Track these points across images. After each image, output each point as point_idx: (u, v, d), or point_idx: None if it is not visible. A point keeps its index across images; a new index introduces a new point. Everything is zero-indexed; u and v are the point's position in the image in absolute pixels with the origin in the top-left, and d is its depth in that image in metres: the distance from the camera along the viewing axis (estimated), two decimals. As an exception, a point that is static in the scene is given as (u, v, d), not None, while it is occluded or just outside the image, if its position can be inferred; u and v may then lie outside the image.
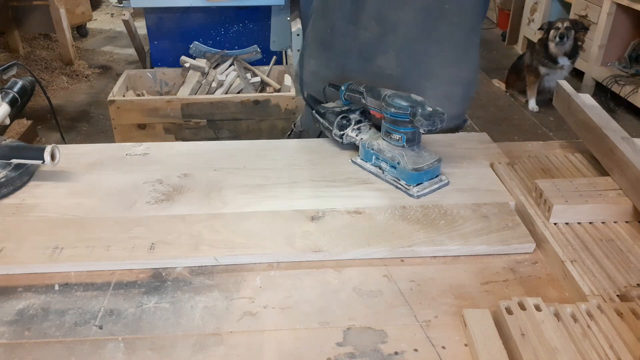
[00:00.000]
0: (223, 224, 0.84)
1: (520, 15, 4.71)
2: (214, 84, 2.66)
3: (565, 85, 1.11)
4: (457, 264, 0.78)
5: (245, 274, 0.76)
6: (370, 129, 1.04)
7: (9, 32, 4.08)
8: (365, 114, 1.07)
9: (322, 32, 1.22)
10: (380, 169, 0.97)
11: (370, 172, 0.98)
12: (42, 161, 0.91)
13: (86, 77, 4.02)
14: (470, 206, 0.88)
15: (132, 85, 2.78)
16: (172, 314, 0.69)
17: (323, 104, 1.10)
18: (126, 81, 2.72)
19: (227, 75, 2.64)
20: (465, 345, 0.64)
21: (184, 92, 2.62)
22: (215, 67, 2.72)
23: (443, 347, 0.64)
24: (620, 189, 0.87)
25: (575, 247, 0.78)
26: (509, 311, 0.64)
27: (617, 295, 0.69)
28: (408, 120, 0.91)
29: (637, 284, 0.70)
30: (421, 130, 0.91)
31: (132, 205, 0.89)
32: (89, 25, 5.07)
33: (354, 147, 1.05)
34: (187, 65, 2.70)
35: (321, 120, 1.07)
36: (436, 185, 0.93)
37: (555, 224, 0.83)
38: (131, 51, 4.24)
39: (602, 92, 3.55)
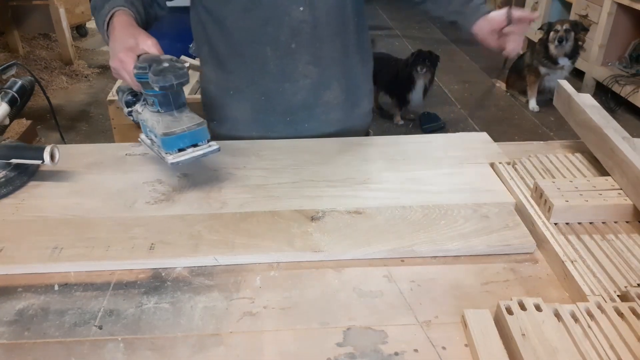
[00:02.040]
0: (223, 224, 0.84)
1: (520, 15, 4.70)
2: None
3: (566, 85, 1.11)
4: (458, 264, 0.78)
5: (245, 274, 0.76)
6: None
7: (9, 32, 4.08)
8: None
9: (249, 101, 1.15)
10: (151, 140, 0.91)
11: (147, 145, 0.92)
12: (41, 161, 0.91)
13: (86, 77, 4.02)
14: (470, 206, 0.88)
15: (132, 85, 2.77)
16: (172, 314, 0.69)
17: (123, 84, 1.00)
18: (126, 81, 2.72)
19: (227, 75, 2.64)
20: (466, 345, 0.64)
21: (183, 92, 2.61)
22: (215, 67, 2.72)
23: (443, 348, 0.64)
24: (621, 189, 0.86)
25: (575, 247, 0.78)
26: (509, 311, 0.64)
27: (618, 295, 0.69)
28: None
29: (638, 284, 0.70)
30: (155, 88, 0.82)
31: (132, 205, 0.89)
32: (89, 25, 5.06)
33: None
34: (186, 65, 2.70)
35: (117, 99, 0.98)
36: (200, 152, 0.85)
37: (555, 224, 0.83)
38: (131, 51, 4.23)
39: (602, 92, 3.55)
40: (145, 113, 0.90)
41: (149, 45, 0.90)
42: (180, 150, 0.85)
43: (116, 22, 0.95)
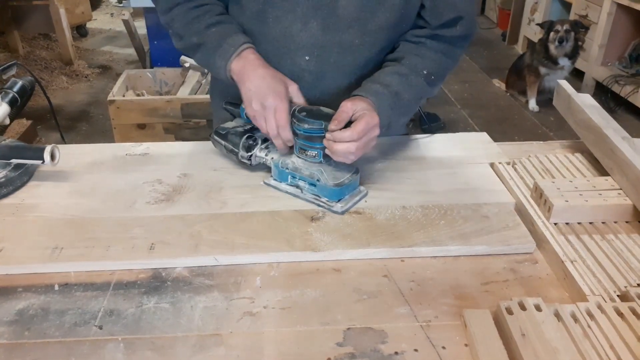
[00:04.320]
0: (223, 224, 0.84)
1: (520, 15, 4.71)
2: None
3: (566, 85, 1.11)
4: (457, 264, 0.78)
5: (245, 274, 0.76)
6: None
7: (9, 32, 4.08)
8: None
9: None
10: (298, 187, 0.91)
11: (287, 192, 0.92)
12: (42, 161, 0.91)
13: (86, 77, 4.02)
14: (470, 206, 0.88)
15: (131, 85, 2.77)
16: (172, 314, 0.69)
17: (222, 125, 1.00)
18: (126, 81, 2.72)
19: (227, 75, 2.64)
20: (466, 345, 0.64)
21: (183, 92, 2.62)
22: (215, 67, 2.72)
23: (443, 347, 0.64)
24: (621, 189, 0.86)
25: (575, 247, 0.78)
26: (509, 311, 0.64)
27: (617, 295, 0.69)
28: (322, 135, 0.85)
29: (637, 284, 0.70)
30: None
31: (132, 205, 0.89)
32: (89, 25, 5.06)
33: (264, 167, 0.97)
34: (187, 65, 2.70)
35: (223, 142, 0.97)
36: (357, 198, 0.89)
37: (555, 224, 0.83)
38: (131, 51, 4.24)
39: (602, 92, 3.55)
40: (294, 161, 0.91)
41: (295, 90, 0.90)
42: (343, 197, 0.89)
43: (254, 60, 0.90)
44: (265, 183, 0.94)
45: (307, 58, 0.97)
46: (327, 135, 0.84)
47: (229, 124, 0.99)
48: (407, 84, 0.93)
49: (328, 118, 0.85)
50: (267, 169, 0.96)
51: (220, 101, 1.10)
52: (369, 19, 0.93)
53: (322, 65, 0.98)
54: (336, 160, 0.86)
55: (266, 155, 0.95)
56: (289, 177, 0.92)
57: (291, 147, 0.91)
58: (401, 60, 0.96)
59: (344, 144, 0.82)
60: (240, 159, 0.96)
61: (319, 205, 0.88)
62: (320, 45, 0.96)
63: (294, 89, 0.91)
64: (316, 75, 1.00)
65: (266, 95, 0.87)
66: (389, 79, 0.93)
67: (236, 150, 0.95)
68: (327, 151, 0.86)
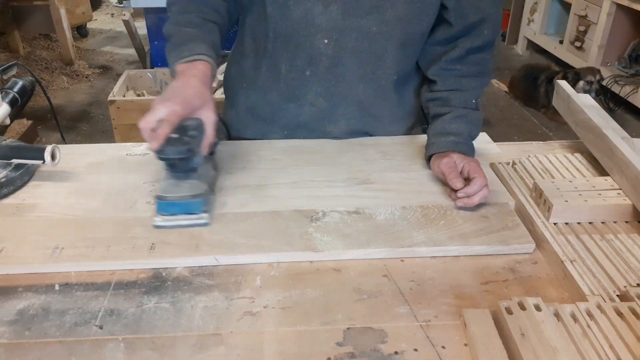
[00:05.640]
0: (223, 224, 0.84)
1: (520, 15, 4.72)
2: (214, 84, 2.66)
3: (565, 85, 1.11)
4: (457, 264, 0.78)
5: (246, 274, 0.76)
6: None
7: (9, 32, 4.08)
8: None
9: (253, 101, 1.12)
10: None
11: None
12: (42, 161, 0.91)
13: (86, 77, 4.02)
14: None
15: (132, 85, 2.78)
16: (172, 314, 0.69)
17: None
18: (126, 81, 2.72)
19: (227, 76, 2.64)
20: (465, 345, 0.64)
21: (184, 92, 2.61)
22: (215, 67, 2.72)
23: (443, 347, 0.64)
24: (620, 189, 0.87)
25: (575, 247, 0.78)
26: (509, 311, 0.65)
27: (617, 295, 0.69)
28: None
29: (637, 284, 0.71)
30: (157, 156, 0.79)
31: (132, 205, 0.89)
32: (89, 25, 5.07)
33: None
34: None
35: None
36: (186, 222, 0.83)
37: (555, 224, 0.83)
38: (131, 51, 4.25)
39: (601, 92, 3.55)
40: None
41: (208, 118, 0.82)
42: (172, 214, 0.83)
43: (198, 72, 0.85)
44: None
45: (325, 41, 0.99)
46: (460, 194, 0.86)
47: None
48: (469, 122, 0.99)
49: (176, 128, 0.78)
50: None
51: (238, 98, 1.14)
52: (388, 7, 0.95)
53: (339, 50, 0.99)
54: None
55: None
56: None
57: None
58: (451, 103, 1.01)
59: (480, 193, 0.86)
60: None
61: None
62: (339, 30, 0.97)
63: (210, 118, 0.83)
64: (333, 60, 1.01)
65: (178, 96, 0.80)
66: (456, 126, 0.98)
67: None
68: (461, 203, 0.87)
